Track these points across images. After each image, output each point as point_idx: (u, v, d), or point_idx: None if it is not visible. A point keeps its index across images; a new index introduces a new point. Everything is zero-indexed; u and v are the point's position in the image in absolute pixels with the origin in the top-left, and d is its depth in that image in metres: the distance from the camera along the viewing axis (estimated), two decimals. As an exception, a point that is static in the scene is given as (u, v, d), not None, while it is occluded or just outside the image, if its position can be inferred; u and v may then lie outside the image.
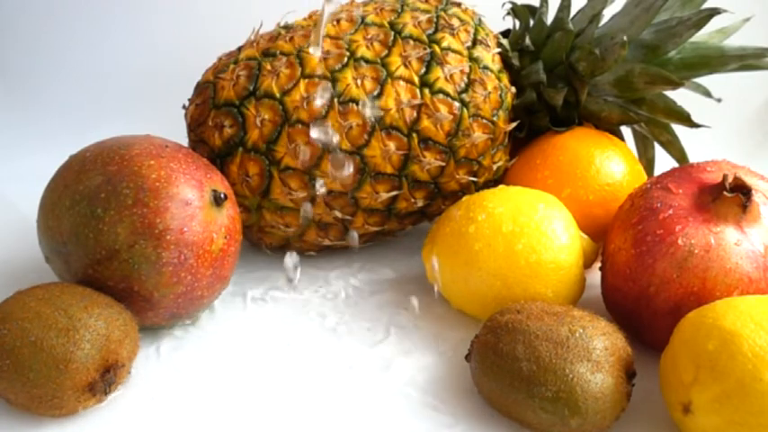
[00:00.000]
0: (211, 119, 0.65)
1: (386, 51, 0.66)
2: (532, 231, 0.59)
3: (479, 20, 0.71)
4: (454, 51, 0.67)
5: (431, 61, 0.66)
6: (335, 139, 0.62)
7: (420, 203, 0.68)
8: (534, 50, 0.71)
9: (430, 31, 0.67)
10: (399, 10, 0.69)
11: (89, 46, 1.01)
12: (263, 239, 0.69)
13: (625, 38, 0.65)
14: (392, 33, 0.67)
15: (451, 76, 0.66)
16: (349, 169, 0.63)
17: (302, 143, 0.63)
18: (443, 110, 0.65)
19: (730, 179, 0.55)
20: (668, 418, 0.52)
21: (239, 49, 0.69)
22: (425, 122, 0.65)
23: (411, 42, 0.66)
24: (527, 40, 0.72)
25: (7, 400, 0.52)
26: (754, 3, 0.77)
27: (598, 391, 0.49)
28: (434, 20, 0.68)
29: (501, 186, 0.65)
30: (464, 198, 0.64)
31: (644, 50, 0.67)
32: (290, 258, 0.67)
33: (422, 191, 0.68)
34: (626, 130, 0.75)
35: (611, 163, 0.68)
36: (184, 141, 0.66)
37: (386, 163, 0.65)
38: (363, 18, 0.67)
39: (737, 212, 0.55)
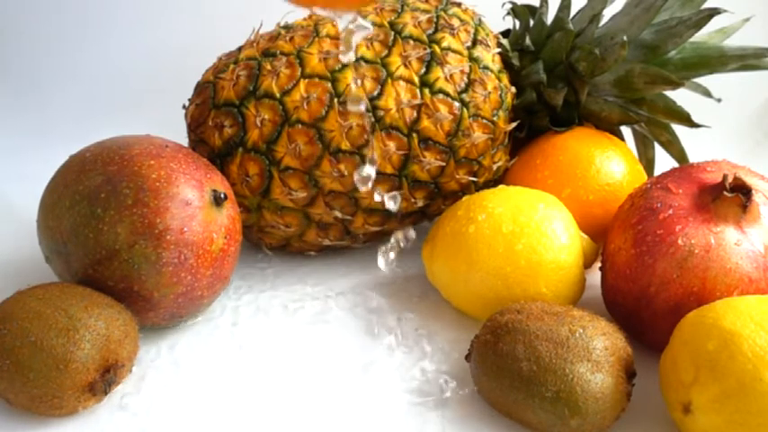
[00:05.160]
0: (211, 119, 0.65)
1: (386, 51, 0.66)
2: (532, 231, 0.59)
3: (479, 20, 0.71)
4: (454, 51, 0.66)
5: (431, 61, 0.66)
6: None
7: (420, 203, 0.68)
8: (534, 50, 0.71)
9: (430, 31, 0.67)
10: (399, 10, 0.69)
11: (89, 46, 1.01)
12: (263, 239, 0.69)
13: (625, 38, 0.65)
14: (392, 33, 0.67)
15: (451, 76, 0.66)
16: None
17: (302, 143, 0.63)
18: (443, 110, 0.65)
19: (730, 179, 0.55)
20: (668, 418, 0.52)
21: (239, 49, 0.69)
22: (425, 122, 0.65)
23: (411, 42, 0.66)
24: (527, 40, 0.72)
25: (7, 401, 0.52)
26: (754, 3, 0.77)
27: (598, 391, 0.49)
28: (434, 20, 0.68)
29: (501, 186, 0.65)
30: (464, 198, 0.64)
31: (644, 50, 0.67)
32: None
33: (422, 191, 0.68)
34: (626, 130, 0.75)
35: (611, 163, 0.68)
36: (184, 141, 0.66)
37: (386, 163, 0.65)
38: (363, 18, 0.67)
39: (737, 212, 0.55)
